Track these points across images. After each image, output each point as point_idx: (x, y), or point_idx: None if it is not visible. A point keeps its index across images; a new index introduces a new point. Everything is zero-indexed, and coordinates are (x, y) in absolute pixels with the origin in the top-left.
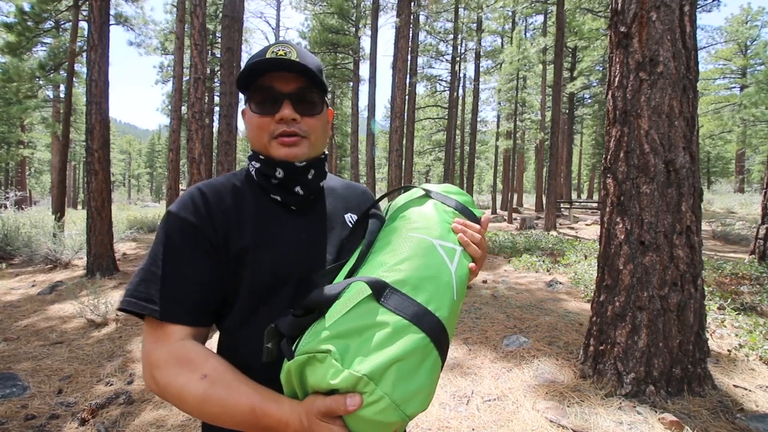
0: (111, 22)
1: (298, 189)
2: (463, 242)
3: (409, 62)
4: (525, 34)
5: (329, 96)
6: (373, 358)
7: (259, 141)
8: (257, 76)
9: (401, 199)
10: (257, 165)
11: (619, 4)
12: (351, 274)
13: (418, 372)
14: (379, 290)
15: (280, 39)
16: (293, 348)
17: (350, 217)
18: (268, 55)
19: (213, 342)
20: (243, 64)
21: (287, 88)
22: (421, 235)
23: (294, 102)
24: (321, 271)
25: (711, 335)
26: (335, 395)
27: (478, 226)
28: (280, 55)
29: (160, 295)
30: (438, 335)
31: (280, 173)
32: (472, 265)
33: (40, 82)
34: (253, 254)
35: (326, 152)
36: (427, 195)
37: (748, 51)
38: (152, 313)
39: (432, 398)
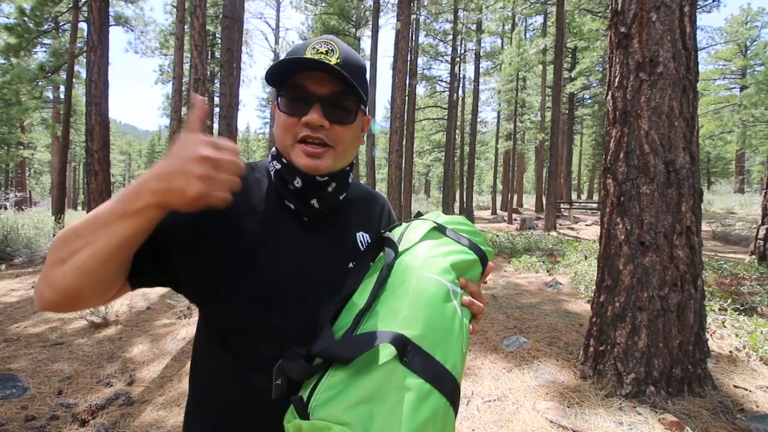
0: (110, 23)
1: (314, 202)
2: (467, 303)
3: (409, 63)
4: (525, 34)
5: (367, 99)
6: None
7: (282, 142)
8: (291, 74)
9: (413, 230)
10: (278, 166)
11: (619, 5)
12: (362, 314)
13: None
14: (403, 349)
15: (324, 36)
16: (306, 400)
17: (362, 237)
18: (308, 52)
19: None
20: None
21: (320, 90)
22: (435, 277)
23: (325, 106)
24: (328, 301)
25: (711, 336)
26: None
27: (476, 286)
28: (321, 52)
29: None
30: (454, 396)
31: (298, 182)
32: (471, 327)
33: (40, 84)
34: (248, 263)
35: (353, 162)
36: (441, 230)
37: (748, 51)
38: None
39: None
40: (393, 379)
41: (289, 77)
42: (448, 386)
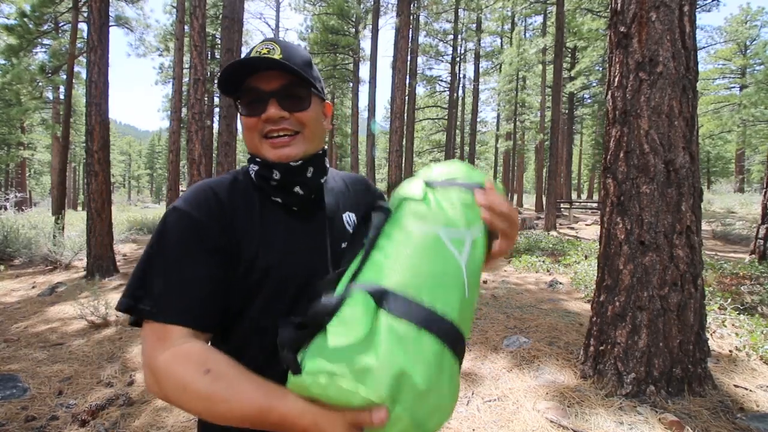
0: (111, 24)
1: (297, 189)
2: (487, 218)
3: (409, 63)
4: (524, 34)
5: (319, 87)
6: (387, 374)
7: (251, 142)
8: (242, 80)
9: (403, 188)
10: (255, 168)
11: (619, 4)
12: (354, 277)
13: (437, 383)
14: (380, 297)
15: (267, 37)
16: (299, 361)
17: (348, 217)
18: (252, 56)
19: None
20: None
21: (271, 86)
22: (423, 226)
23: (280, 99)
24: (324, 279)
25: (711, 335)
26: (358, 411)
27: (501, 197)
28: (263, 53)
29: (162, 294)
30: (452, 339)
31: (277, 175)
32: (498, 243)
33: (40, 84)
34: (260, 261)
35: (325, 148)
36: (428, 184)
37: (748, 51)
38: (151, 315)
39: (453, 409)
40: (377, 326)
41: (241, 83)
42: (438, 328)
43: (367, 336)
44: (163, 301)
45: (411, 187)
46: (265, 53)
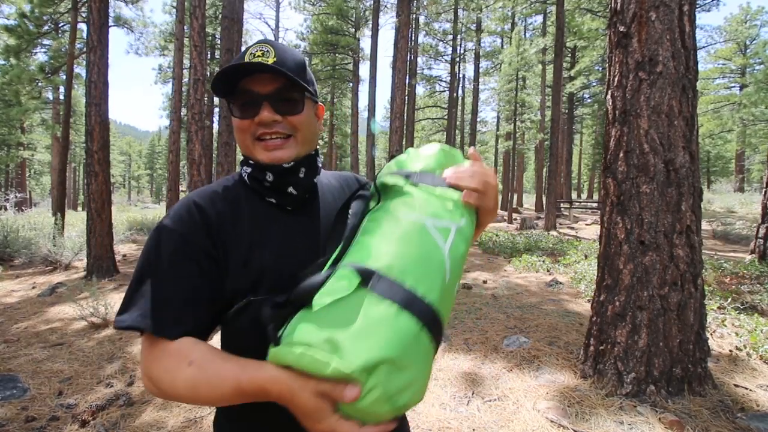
0: (110, 24)
1: (290, 189)
2: (453, 181)
3: (408, 63)
4: (524, 34)
5: (312, 90)
6: (364, 347)
7: (244, 144)
8: (235, 82)
9: (387, 176)
10: (248, 170)
11: (619, 4)
12: (338, 260)
13: (413, 360)
14: (367, 276)
15: (262, 39)
16: (279, 334)
17: None
18: (246, 59)
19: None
20: None
21: (265, 90)
22: (411, 215)
23: (273, 103)
24: (309, 267)
25: (711, 335)
26: (332, 383)
27: (465, 167)
28: (257, 56)
29: (151, 309)
30: (429, 320)
31: (270, 177)
32: (467, 195)
33: (40, 85)
34: (254, 262)
35: (317, 148)
36: (413, 182)
37: (748, 50)
38: (143, 329)
39: (426, 389)
40: (358, 303)
41: (235, 85)
42: (418, 309)
43: (348, 311)
44: (152, 316)
45: (393, 179)
46: (259, 56)
